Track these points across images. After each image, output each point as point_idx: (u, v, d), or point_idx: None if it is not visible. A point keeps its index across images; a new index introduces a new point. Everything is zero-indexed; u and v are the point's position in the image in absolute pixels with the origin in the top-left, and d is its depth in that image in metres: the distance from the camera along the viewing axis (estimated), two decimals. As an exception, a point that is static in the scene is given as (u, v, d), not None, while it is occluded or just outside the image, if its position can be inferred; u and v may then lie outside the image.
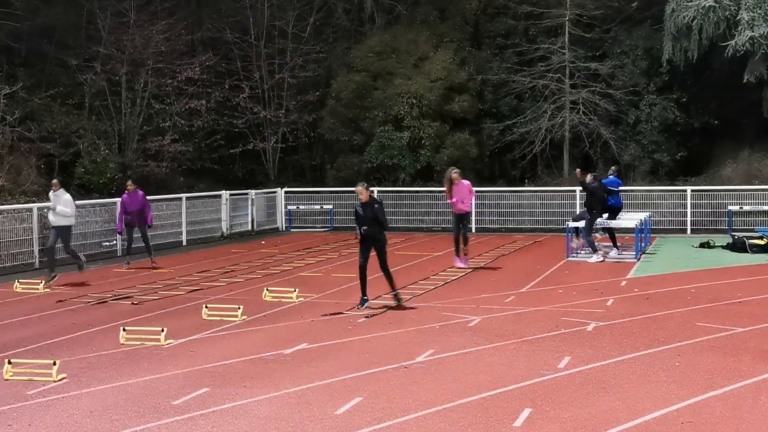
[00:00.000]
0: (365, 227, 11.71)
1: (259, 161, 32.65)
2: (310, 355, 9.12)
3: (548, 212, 24.24)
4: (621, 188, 18.74)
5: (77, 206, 19.69)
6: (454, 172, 16.46)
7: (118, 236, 19.69)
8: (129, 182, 17.14)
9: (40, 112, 26.32)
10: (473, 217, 25.30)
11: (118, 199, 20.22)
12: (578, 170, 18.85)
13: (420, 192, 26.18)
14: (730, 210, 23.34)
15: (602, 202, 17.69)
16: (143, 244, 17.17)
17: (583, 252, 18.49)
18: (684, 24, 26.32)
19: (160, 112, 28.84)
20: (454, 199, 16.41)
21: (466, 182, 16.72)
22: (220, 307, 11.68)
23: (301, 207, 26.94)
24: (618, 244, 18.34)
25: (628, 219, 19.06)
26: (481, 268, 16.50)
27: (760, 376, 8.03)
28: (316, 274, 15.77)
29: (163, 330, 9.87)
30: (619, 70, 29.35)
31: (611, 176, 18.65)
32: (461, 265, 16.28)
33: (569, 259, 17.66)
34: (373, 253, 11.81)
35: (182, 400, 7.40)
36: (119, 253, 19.52)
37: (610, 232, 18.50)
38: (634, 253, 17.97)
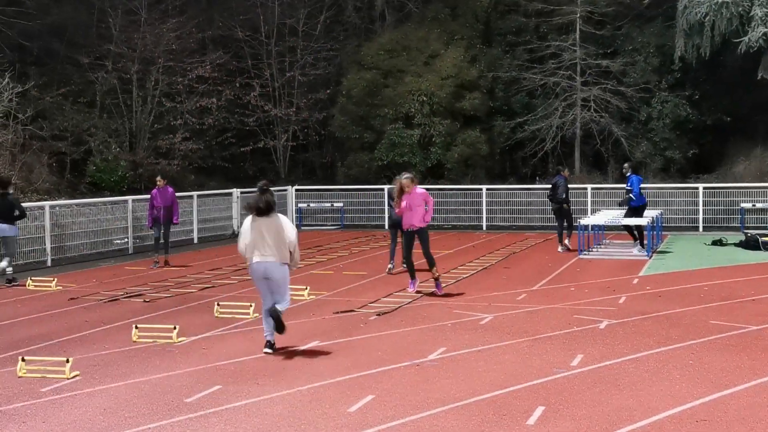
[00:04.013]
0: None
1: (269, 159, 32.69)
2: (322, 352, 9.12)
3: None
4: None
5: (88, 204, 19.85)
6: (404, 178, 13.00)
7: (128, 236, 19.78)
8: (159, 177, 16.92)
9: (52, 110, 26.43)
10: (484, 215, 25.31)
11: (129, 198, 20.38)
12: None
13: (430, 190, 26.01)
14: (742, 207, 23.23)
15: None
16: (162, 241, 17.03)
17: (595, 249, 18.57)
18: (696, 21, 26.22)
19: (170, 111, 28.90)
20: (400, 210, 13.01)
21: (421, 191, 13.12)
22: (232, 304, 11.70)
23: (312, 205, 26.97)
24: (622, 242, 18.51)
25: (640, 217, 19.01)
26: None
27: (774, 374, 7.98)
28: (327, 272, 15.77)
29: (175, 328, 9.89)
30: (630, 68, 29.24)
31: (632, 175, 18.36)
32: (412, 290, 13.11)
33: (581, 256, 17.61)
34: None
35: (195, 398, 7.41)
36: (131, 251, 19.59)
37: (636, 229, 18.34)
38: (646, 250, 17.90)
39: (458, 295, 12.89)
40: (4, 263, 14.78)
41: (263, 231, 9.06)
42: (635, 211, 18.07)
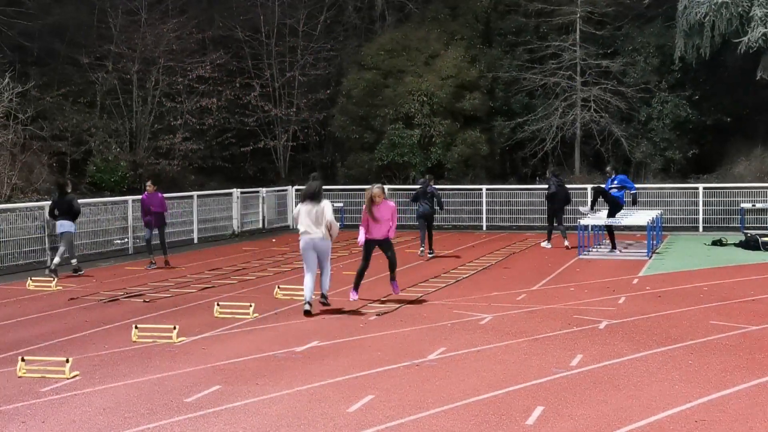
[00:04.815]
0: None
1: (269, 159, 32.69)
2: (322, 352, 9.12)
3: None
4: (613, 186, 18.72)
5: (88, 204, 19.85)
6: (376, 188, 12.16)
7: (128, 236, 19.79)
8: (149, 183, 17.01)
9: (52, 110, 26.44)
10: (484, 215, 25.32)
11: (129, 198, 20.38)
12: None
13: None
14: (742, 208, 23.23)
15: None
16: (158, 242, 16.98)
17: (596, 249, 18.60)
18: (696, 21, 26.23)
19: (171, 111, 28.91)
20: (363, 235, 12.21)
21: (391, 204, 12.38)
22: (232, 304, 11.70)
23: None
24: (617, 242, 18.56)
25: (640, 216, 19.05)
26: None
27: (773, 374, 7.98)
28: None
29: (175, 328, 9.89)
30: (630, 68, 29.25)
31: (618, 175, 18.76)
32: (355, 297, 12.42)
33: (581, 256, 17.62)
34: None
35: (194, 398, 7.42)
36: (131, 251, 19.59)
37: (608, 229, 18.58)
38: (646, 251, 17.91)
39: (458, 295, 12.90)
40: (57, 259, 15.73)
41: (309, 212, 11.39)
42: (614, 209, 18.16)
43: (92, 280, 15.23)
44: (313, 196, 11.37)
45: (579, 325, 10.42)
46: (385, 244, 12.36)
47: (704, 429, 6.45)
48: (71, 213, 15.91)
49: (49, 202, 16.73)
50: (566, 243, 19.21)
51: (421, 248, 18.28)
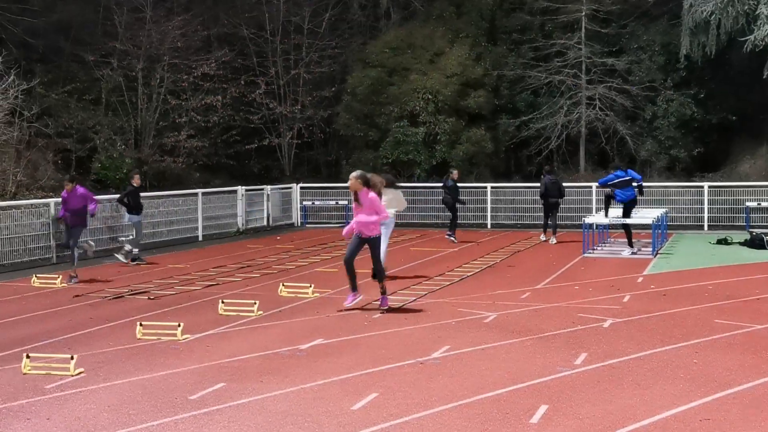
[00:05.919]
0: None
1: (274, 157, 32.71)
2: (326, 350, 9.13)
3: (564, 208, 24.04)
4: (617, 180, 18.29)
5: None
6: (351, 176, 11.37)
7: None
8: (66, 181, 15.17)
9: (57, 107, 26.47)
10: (489, 213, 25.30)
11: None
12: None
13: (435, 188, 26.10)
14: (747, 206, 23.19)
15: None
16: (70, 247, 14.95)
17: (599, 248, 18.56)
18: (702, 19, 26.17)
19: (176, 108, 28.92)
20: (348, 226, 11.57)
21: (371, 195, 11.23)
22: (237, 302, 11.71)
23: (317, 202, 26.96)
24: (633, 241, 18.25)
25: (645, 215, 19.01)
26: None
27: (778, 373, 7.96)
28: (331, 270, 15.77)
29: (179, 325, 9.90)
30: (635, 66, 29.21)
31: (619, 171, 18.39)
32: (349, 303, 11.48)
33: (585, 255, 17.60)
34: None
35: (198, 395, 7.42)
36: (136, 249, 19.57)
37: (626, 228, 18.28)
38: (651, 249, 17.88)
39: (462, 293, 12.89)
40: (135, 250, 17.00)
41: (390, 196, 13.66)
42: (626, 208, 17.91)
43: (97, 277, 15.24)
44: (392, 184, 14.27)
45: (583, 323, 10.41)
46: (371, 243, 11.35)
47: (709, 428, 6.43)
48: (125, 204, 17.17)
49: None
50: (552, 239, 20.23)
51: (451, 237, 20.61)
